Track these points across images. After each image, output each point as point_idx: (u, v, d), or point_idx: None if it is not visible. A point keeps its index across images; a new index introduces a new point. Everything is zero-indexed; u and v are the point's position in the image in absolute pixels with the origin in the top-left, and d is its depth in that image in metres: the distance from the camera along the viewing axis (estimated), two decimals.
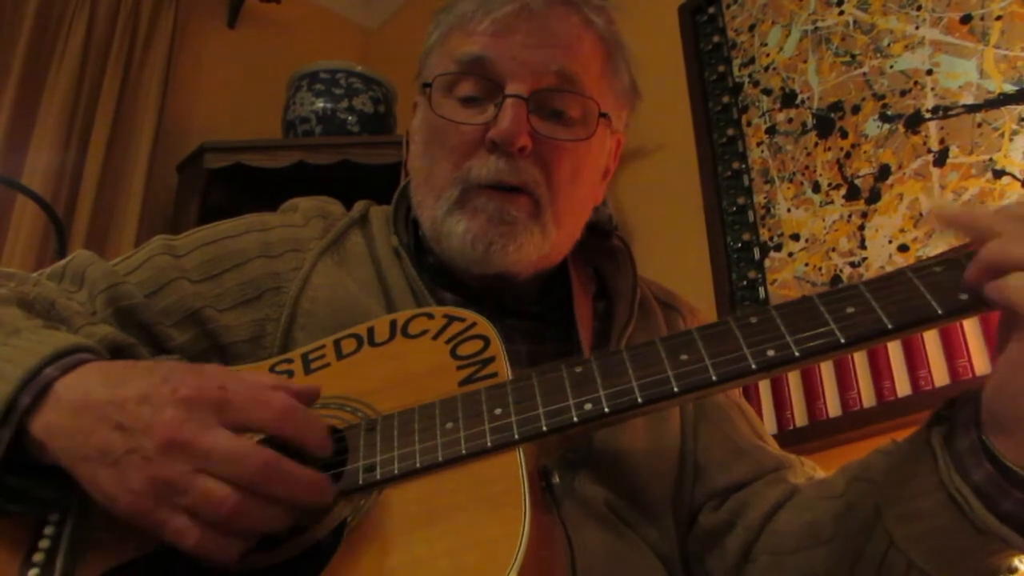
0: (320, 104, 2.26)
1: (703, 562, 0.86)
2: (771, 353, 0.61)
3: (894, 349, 1.49)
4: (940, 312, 0.60)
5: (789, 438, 1.52)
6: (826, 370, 1.56)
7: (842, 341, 0.60)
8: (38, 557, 0.63)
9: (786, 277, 1.73)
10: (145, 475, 0.57)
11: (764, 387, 1.62)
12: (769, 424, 1.60)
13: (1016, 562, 0.67)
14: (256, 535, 0.58)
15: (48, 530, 0.65)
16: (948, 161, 1.54)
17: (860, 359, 1.53)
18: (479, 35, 0.85)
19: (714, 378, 0.62)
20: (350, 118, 2.26)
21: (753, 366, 0.61)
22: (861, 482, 0.74)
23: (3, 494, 0.63)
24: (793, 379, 1.60)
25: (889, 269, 1.27)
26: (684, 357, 0.63)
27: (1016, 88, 1.49)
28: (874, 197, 1.63)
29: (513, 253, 0.83)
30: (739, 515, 0.84)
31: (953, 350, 1.42)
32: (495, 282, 0.87)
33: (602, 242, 0.96)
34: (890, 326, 0.60)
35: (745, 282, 1.78)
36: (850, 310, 0.61)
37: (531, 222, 0.84)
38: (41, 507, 0.65)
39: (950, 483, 0.63)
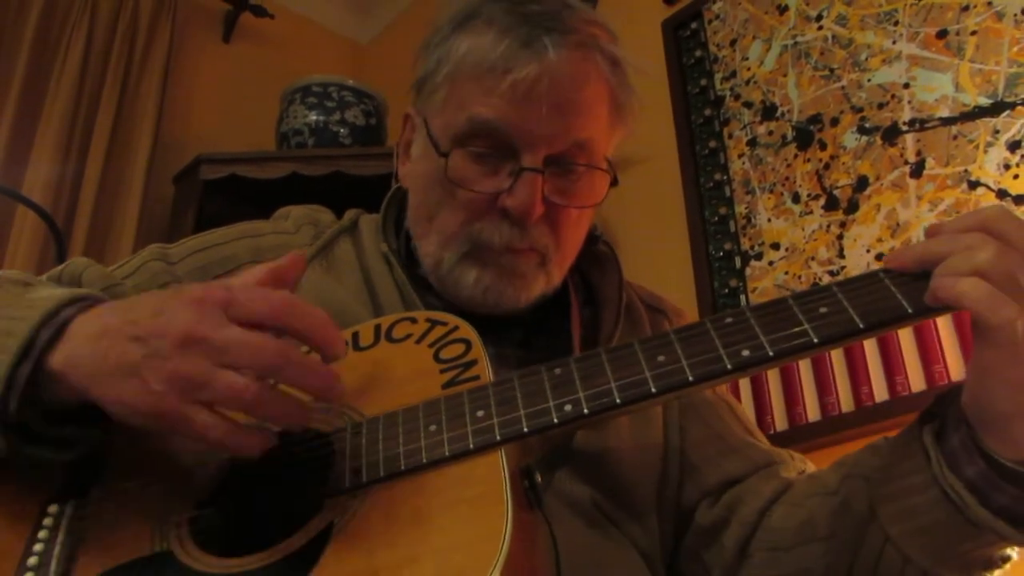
0: (313, 117, 2.28)
1: (701, 558, 0.87)
2: (746, 353, 0.62)
3: (872, 354, 1.51)
4: (910, 311, 0.61)
5: (770, 442, 1.53)
6: (806, 375, 1.58)
7: (815, 341, 0.62)
8: (32, 561, 0.64)
9: (766, 285, 1.75)
10: (165, 373, 0.58)
11: (745, 391, 1.63)
12: None
13: (1010, 551, 0.68)
14: (279, 424, 0.60)
15: (43, 534, 0.65)
16: (924, 172, 1.57)
17: (839, 364, 1.54)
18: (496, 98, 0.81)
19: (691, 378, 0.63)
20: (342, 130, 2.28)
21: (729, 366, 0.62)
22: (855, 479, 0.75)
23: (21, 435, 0.64)
24: (774, 384, 1.61)
25: None
26: (661, 358, 0.64)
27: (991, 101, 1.51)
28: (852, 207, 1.65)
29: (521, 300, 0.86)
30: (734, 511, 0.85)
31: (929, 356, 1.44)
32: None
33: (588, 248, 0.97)
34: (862, 325, 0.61)
35: (727, 290, 1.80)
36: (823, 310, 0.63)
37: (538, 271, 0.86)
38: (60, 449, 0.66)
39: (943, 479, 0.64)
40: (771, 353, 0.62)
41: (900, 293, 0.62)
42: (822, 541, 0.77)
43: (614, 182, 0.88)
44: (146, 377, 0.58)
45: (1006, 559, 0.69)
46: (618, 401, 0.63)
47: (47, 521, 0.66)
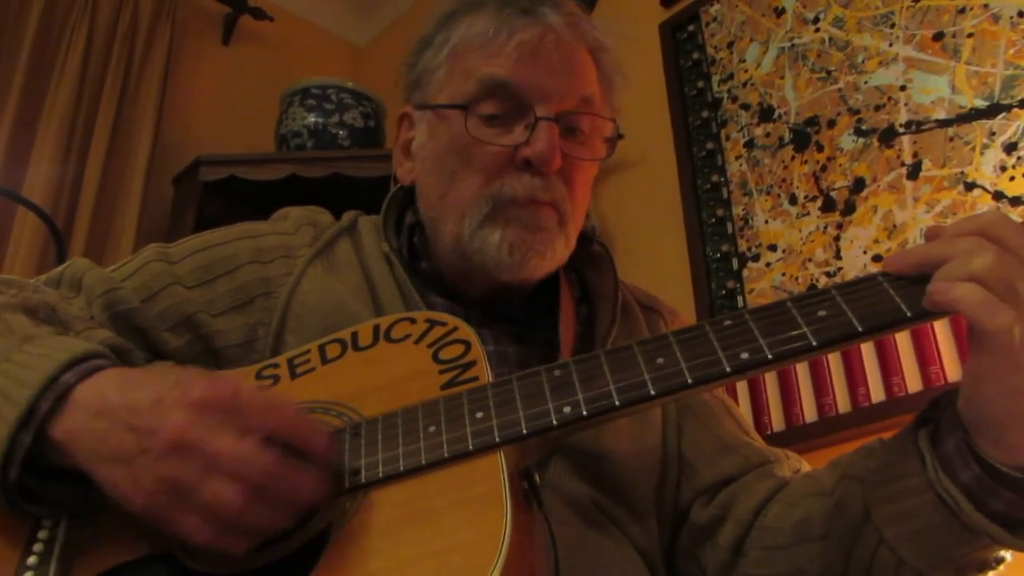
0: (312, 119, 2.29)
1: (696, 556, 0.88)
2: (745, 356, 0.63)
3: (868, 356, 1.51)
4: (909, 315, 0.62)
5: (767, 442, 1.53)
6: (803, 376, 1.58)
7: (814, 344, 0.62)
8: (32, 560, 0.64)
9: (763, 287, 1.75)
10: (155, 474, 0.58)
11: (743, 392, 1.64)
12: None
13: (1004, 553, 0.68)
14: (264, 533, 0.60)
15: (42, 533, 0.65)
16: (921, 174, 1.57)
17: (836, 366, 1.55)
18: (504, 57, 0.85)
19: (689, 381, 0.63)
20: (341, 132, 2.29)
21: (727, 369, 0.63)
22: (850, 480, 0.75)
23: (23, 495, 0.64)
24: (771, 385, 1.62)
25: None
26: (660, 361, 0.64)
27: (987, 103, 1.52)
28: (849, 209, 1.66)
29: (545, 261, 0.87)
30: (729, 509, 0.86)
31: (925, 357, 1.44)
32: (491, 289, 0.89)
33: (584, 248, 0.97)
34: (860, 329, 0.62)
35: (724, 292, 1.80)
36: (822, 313, 0.63)
37: (558, 231, 0.87)
38: (58, 508, 0.66)
39: (938, 484, 0.64)
40: (770, 356, 0.62)
41: (899, 297, 0.62)
42: (817, 541, 0.77)
43: (611, 151, 0.92)
44: (138, 473, 0.59)
45: (1000, 561, 0.69)
46: (617, 403, 0.63)
47: (47, 521, 0.66)
